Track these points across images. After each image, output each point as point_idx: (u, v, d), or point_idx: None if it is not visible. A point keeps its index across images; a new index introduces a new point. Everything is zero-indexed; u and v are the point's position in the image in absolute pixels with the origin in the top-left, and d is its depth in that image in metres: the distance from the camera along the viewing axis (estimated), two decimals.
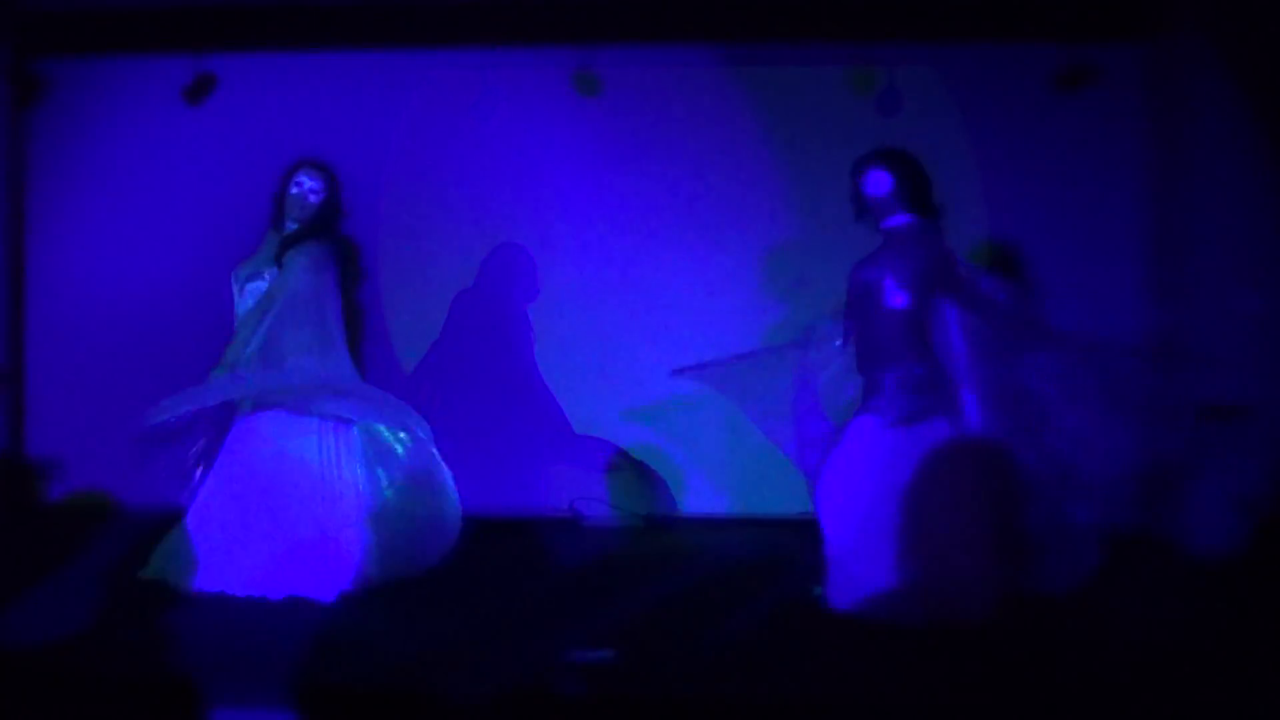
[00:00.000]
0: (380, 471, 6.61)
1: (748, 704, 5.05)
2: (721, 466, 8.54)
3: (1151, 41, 8.17)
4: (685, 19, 8.35)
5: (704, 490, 8.56)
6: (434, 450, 6.82)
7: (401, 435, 6.72)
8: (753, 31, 8.37)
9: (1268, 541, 7.41)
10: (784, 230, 8.42)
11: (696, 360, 7.52)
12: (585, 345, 8.56)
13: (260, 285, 6.59)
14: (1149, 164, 8.25)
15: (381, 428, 6.68)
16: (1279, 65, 7.49)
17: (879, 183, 6.04)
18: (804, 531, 8.12)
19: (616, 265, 8.56)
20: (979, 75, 8.37)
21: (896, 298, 5.91)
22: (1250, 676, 5.35)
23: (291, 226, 6.69)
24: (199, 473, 6.63)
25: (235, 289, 6.65)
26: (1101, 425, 6.14)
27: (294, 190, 6.75)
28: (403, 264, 8.58)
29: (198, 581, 6.43)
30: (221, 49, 8.52)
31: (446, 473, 6.87)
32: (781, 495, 8.40)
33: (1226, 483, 7.58)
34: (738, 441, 8.51)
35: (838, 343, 6.33)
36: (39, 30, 8.57)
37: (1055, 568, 6.11)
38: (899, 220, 6.05)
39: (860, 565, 5.95)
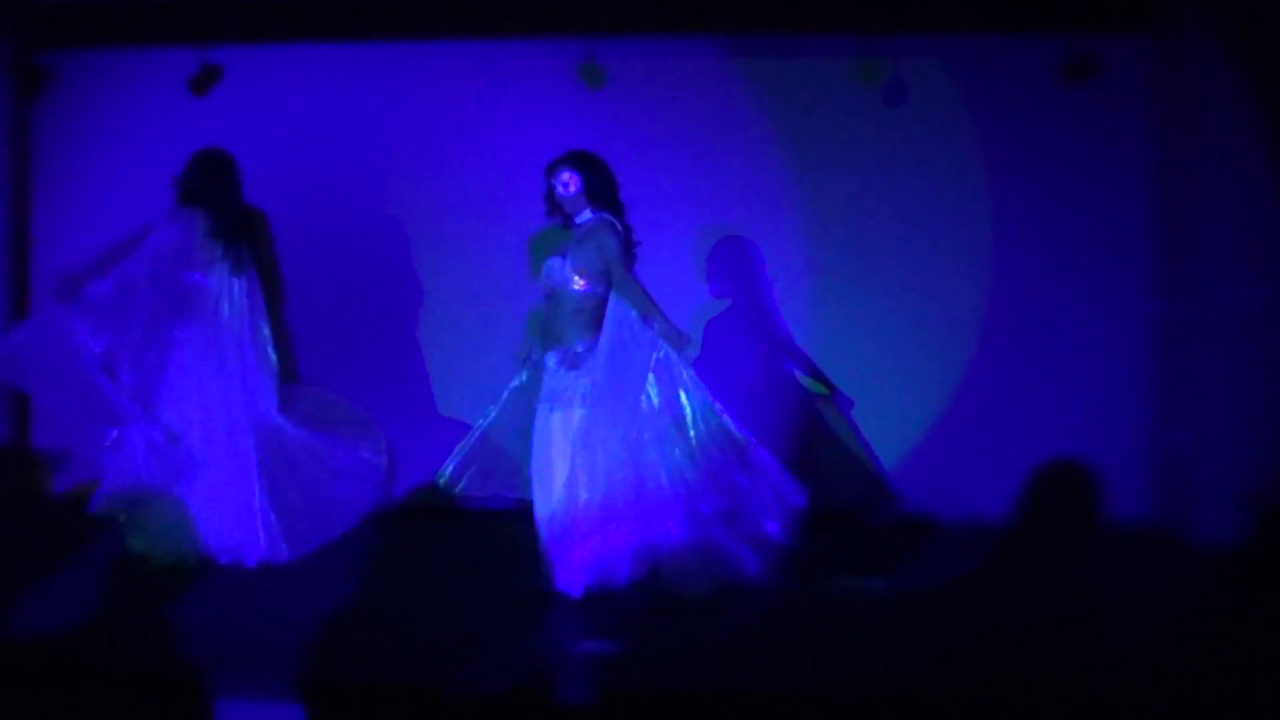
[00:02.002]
0: None
1: (754, 697, 5.06)
2: None
3: (1156, 33, 8.16)
4: (690, 10, 8.33)
5: None
6: None
7: None
8: (758, 23, 8.35)
9: (1271, 533, 7.41)
10: (790, 221, 8.41)
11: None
12: None
13: None
14: (1153, 156, 8.23)
15: None
16: None
17: (568, 184, 6.57)
18: (809, 525, 8.21)
19: None
20: (984, 66, 8.35)
21: (572, 283, 6.44)
22: (1253, 667, 5.35)
23: None
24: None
25: None
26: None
27: None
28: (407, 255, 8.57)
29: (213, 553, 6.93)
30: (226, 40, 8.51)
31: None
32: None
33: (1231, 474, 7.60)
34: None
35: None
36: (43, 22, 8.55)
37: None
38: (585, 216, 6.57)
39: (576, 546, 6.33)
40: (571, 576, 6.29)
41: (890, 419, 8.39)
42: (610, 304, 6.49)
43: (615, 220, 6.58)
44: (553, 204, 6.66)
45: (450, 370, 8.56)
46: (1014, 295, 8.33)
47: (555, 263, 6.55)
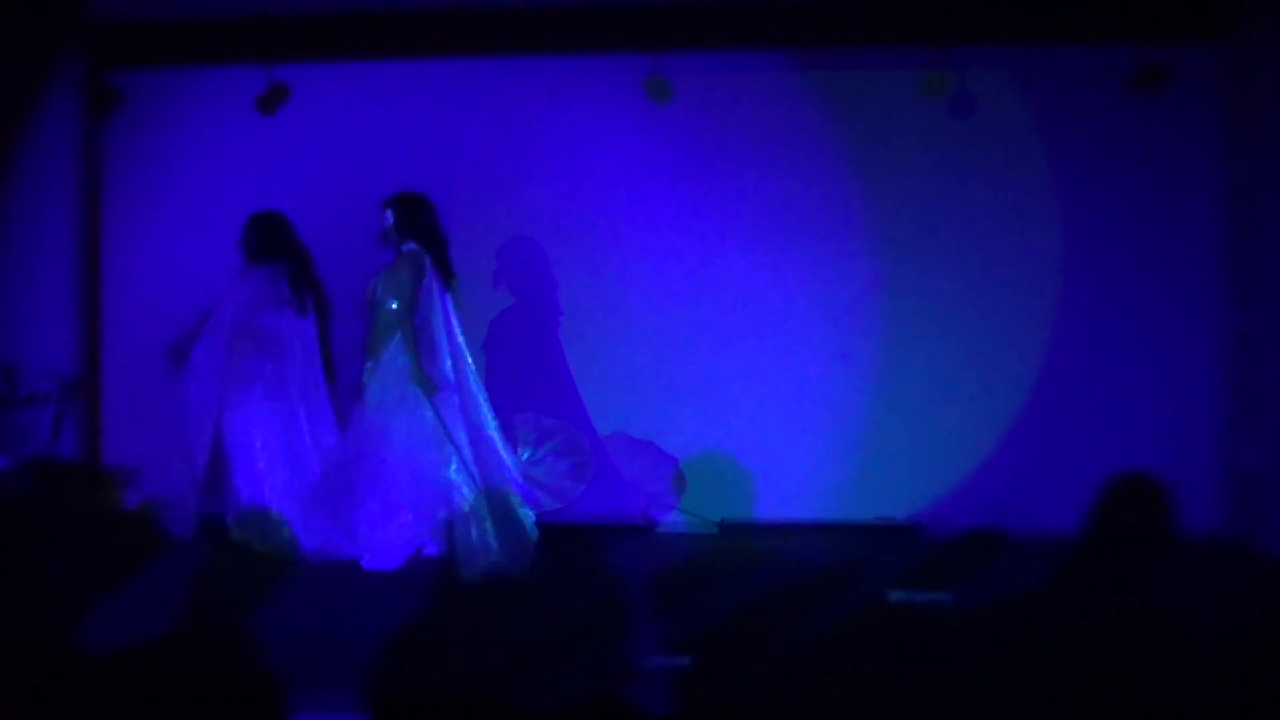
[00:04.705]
0: None
1: (821, 709, 5.05)
2: (792, 472, 8.51)
3: (1226, 42, 8.10)
4: (757, 24, 8.33)
5: (775, 496, 8.53)
6: None
7: None
8: (825, 36, 8.35)
9: None
10: (857, 233, 8.40)
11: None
12: (656, 350, 8.56)
13: None
14: (1224, 166, 8.18)
15: None
16: None
17: (386, 219, 7.48)
18: (876, 537, 8.17)
19: (688, 270, 8.57)
20: (1052, 77, 8.32)
21: (387, 302, 7.37)
22: None
23: None
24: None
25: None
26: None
27: None
28: (475, 269, 8.58)
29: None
30: (294, 58, 8.59)
31: None
32: (853, 501, 8.42)
33: None
34: (807, 447, 8.51)
35: None
36: (113, 42, 8.65)
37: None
38: (404, 246, 7.44)
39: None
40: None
41: (960, 430, 8.37)
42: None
43: (423, 254, 7.40)
44: (383, 235, 7.51)
45: (503, 383, 8.54)
46: (1084, 306, 8.30)
47: (373, 282, 7.49)
